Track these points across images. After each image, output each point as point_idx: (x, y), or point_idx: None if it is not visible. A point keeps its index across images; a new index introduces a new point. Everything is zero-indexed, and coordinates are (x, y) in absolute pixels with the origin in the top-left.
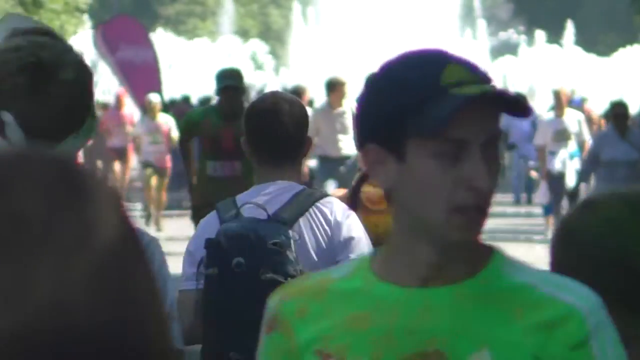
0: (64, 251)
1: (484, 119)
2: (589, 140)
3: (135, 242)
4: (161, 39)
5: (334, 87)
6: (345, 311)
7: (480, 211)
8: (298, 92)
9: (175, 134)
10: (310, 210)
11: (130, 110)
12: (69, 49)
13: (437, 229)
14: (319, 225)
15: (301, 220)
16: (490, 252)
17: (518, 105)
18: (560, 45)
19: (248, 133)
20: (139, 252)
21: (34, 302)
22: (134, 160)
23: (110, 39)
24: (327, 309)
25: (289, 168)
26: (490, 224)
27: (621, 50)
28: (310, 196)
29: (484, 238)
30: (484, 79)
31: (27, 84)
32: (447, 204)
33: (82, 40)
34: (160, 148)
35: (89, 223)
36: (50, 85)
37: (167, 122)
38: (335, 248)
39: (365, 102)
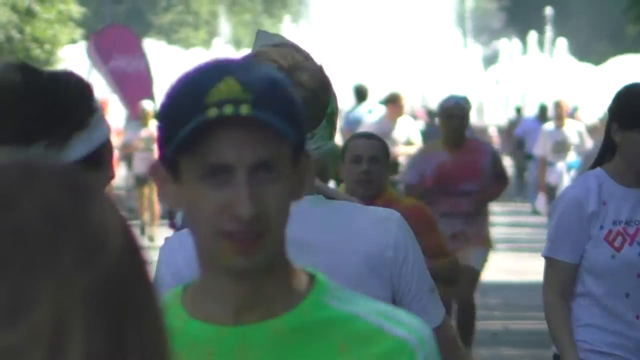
0: (65, 270)
1: (252, 142)
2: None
3: (137, 257)
4: (154, 48)
5: (393, 101)
6: None
7: (258, 238)
8: None
9: None
10: None
11: (116, 118)
12: (310, 59)
13: (212, 256)
14: None
15: None
16: (311, 281)
17: (283, 130)
18: (552, 54)
19: None
20: (141, 268)
21: (32, 322)
22: (120, 169)
23: (103, 48)
24: None
25: None
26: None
27: (613, 59)
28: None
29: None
30: (264, 98)
31: None
32: (213, 229)
33: (75, 49)
34: (153, 155)
35: (93, 238)
36: None
37: None
38: None
39: (157, 118)
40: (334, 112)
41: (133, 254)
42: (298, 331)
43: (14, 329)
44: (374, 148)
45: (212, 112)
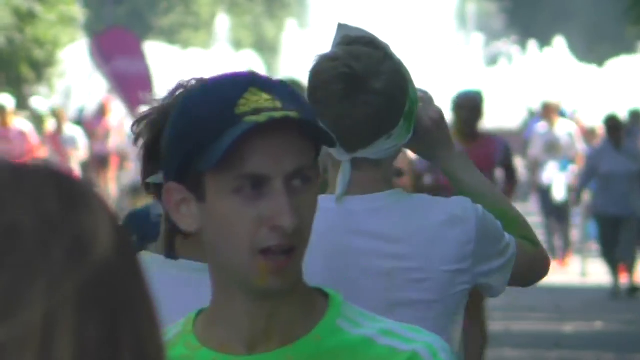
0: (56, 270)
1: (287, 151)
2: (581, 152)
3: (130, 256)
4: (154, 49)
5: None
6: None
7: (290, 253)
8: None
9: None
10: None
11: (118, 118)
12: (387, 57)
13: (243, 276)
14: None
15: None
16: (325, 302)
17: (322, 133)
18: (553, 55)
19: None
20: (134, 266)
21: (22, 321)
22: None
23: (104, 50)
24: None
25: None
26: None
27: (614, 60)
28: None
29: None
30: (289, 104)
31: (340, 92)
32: (249, 246)
33: (76, 51)
34: None
35: (83, 239)
36: (361, 93)
37: None
38: None
39: (167, 136)
40: (413, 108)
41: (125, 254)
42: (309, 358)
43: (4, 327)
44: None
45: (251, 120)
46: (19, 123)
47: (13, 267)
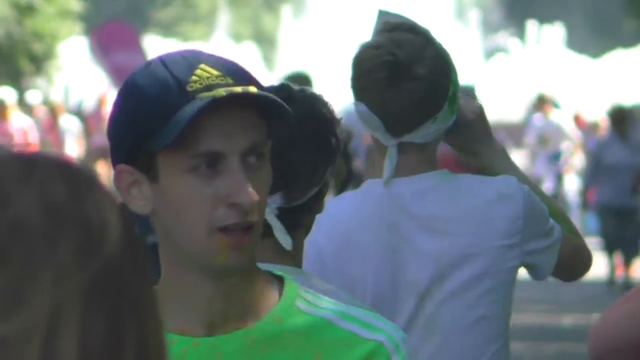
0: (62, 263)
1: (241, 128)
2: (577, 140)
3: (137, 250)
4: (152, 43)
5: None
6: None
7: (248, 230)
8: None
9: None
10: None
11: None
12: (429, 43)
13: (201, 255)
14: None
15: None
16: (281, 283)
17: (279, 108)
18: (551, 47)
19: None
20: (139, 261)
21: (28, 314)
22: None
23: (104, 43)
24: None
25: None
26: None
27: (611, 53)
28: None
29: None
30: (241, 79)
31: (384, 79)
32: (207, 225)
33: (74, 44)
34: None
35: (91, 234)
36: (405, 81)
37: None
38: None
39: (114, 119)
40: (456, 92)
41: (131, 246)
42: (273, 340)
43: (10, 321)
44: None
45: (207, 95)
46: (19, 117)
47: (19, 261)
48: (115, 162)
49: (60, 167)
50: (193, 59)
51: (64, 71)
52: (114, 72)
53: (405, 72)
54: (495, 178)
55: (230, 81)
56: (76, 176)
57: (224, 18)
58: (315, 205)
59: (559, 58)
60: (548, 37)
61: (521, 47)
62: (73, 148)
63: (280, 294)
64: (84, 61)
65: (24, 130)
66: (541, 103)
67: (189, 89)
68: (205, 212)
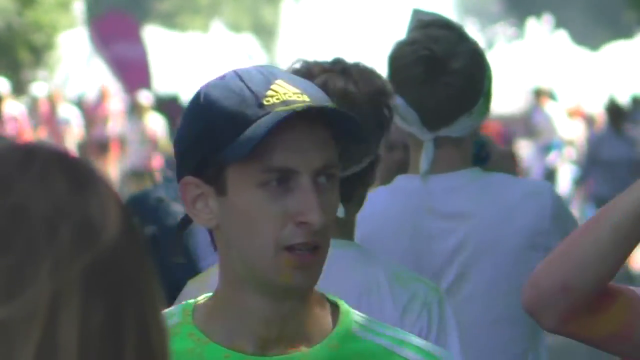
0: (63, 250)
1: (316, 146)
2: (566, 136)
3: (136, 239)
4: (153, 34)
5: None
6: None
7: (314, 251)
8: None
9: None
10: None
11: (117, 106)
12: (463, 38)
13: (265, 273)
14: None
15: None
16: (336, 309)
17: (353, 128)
18: (550, 38)
19: None
20: (139, 250)
21: (28, 299)
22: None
23: (103, 34)
24: None
25: None
26: None
27: (610, 45)
28: None
29: None
30: (317, 98)
31: (421, 74)
32: (274, 242)
33: (74, 35)
34: (147, 150)
35: (91, 222)
36: (441, 75)
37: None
38: None
39: (184, 130)
40: (490, 86)
41: (131, 234)
42: None
43: (11, 305)
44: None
45: (284, 110)
46: (12, 106)
47: (20, 248)
48: (181, 174)
49: (59, 157)
50: (269, 74)
51: (64, 62)
52: (114, 63)
53: (441, 66)
54: (526, 178)
55: (306, 98)
56: (75, 166)
57: (223, 9)
58: (367, 177)
59: (558, 50)
60: (547, 28)
61: (520, 38)
62: (71, 138)
63: (335, 319)
64: (83, 53)
65: (15, 118)
66: (537, 95)
67: (265, 102)
68: (273, 229)
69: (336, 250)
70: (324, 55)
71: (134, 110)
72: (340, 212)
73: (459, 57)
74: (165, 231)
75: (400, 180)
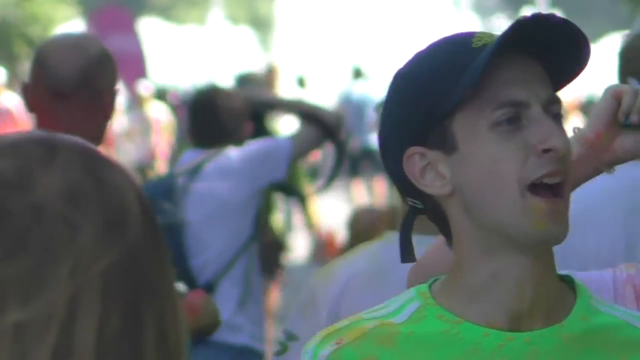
0: (83, 249)
1: (538, 78)
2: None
3: (156, 237)
4: (149, 26)
5: None
6: None
7: (560, 191)
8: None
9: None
10: None
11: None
12: None
13: (515, 223)
14: None
15: None
16: (569, 280)
17: (572, 57)
18: None
19: None
20: (158, 247)
21: (47, 300)
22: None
23: (100, 27)
24: None
25: None
26: None
27: (607, 37)
28: None
29: None
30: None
31: None
32: (518, 182)
33: (70, 28)
34: (148, 142)
35: (111, 220)
36: None
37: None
38: None
39: (392, 105)
40: None
41: (151, 231)
42: (583, 338)
43: (30, 306)
44: None
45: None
46: (8, 97)
47: (39, 247)
48: (394, 154)
49: (80, 150)
50: (465, 33)
51: None
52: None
53: None
54: None
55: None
56: (96, 160)
57: (219, 1)
58: None
59: None
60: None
61: None
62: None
63: (574, 290)
64: None
65: (9, 109)
66: None
67: (474, 46)
68: (514, 166)
69: None
70: (321, 47)
71: (134, 101)
72: None
73: None
74: None
75: (626, 164)
